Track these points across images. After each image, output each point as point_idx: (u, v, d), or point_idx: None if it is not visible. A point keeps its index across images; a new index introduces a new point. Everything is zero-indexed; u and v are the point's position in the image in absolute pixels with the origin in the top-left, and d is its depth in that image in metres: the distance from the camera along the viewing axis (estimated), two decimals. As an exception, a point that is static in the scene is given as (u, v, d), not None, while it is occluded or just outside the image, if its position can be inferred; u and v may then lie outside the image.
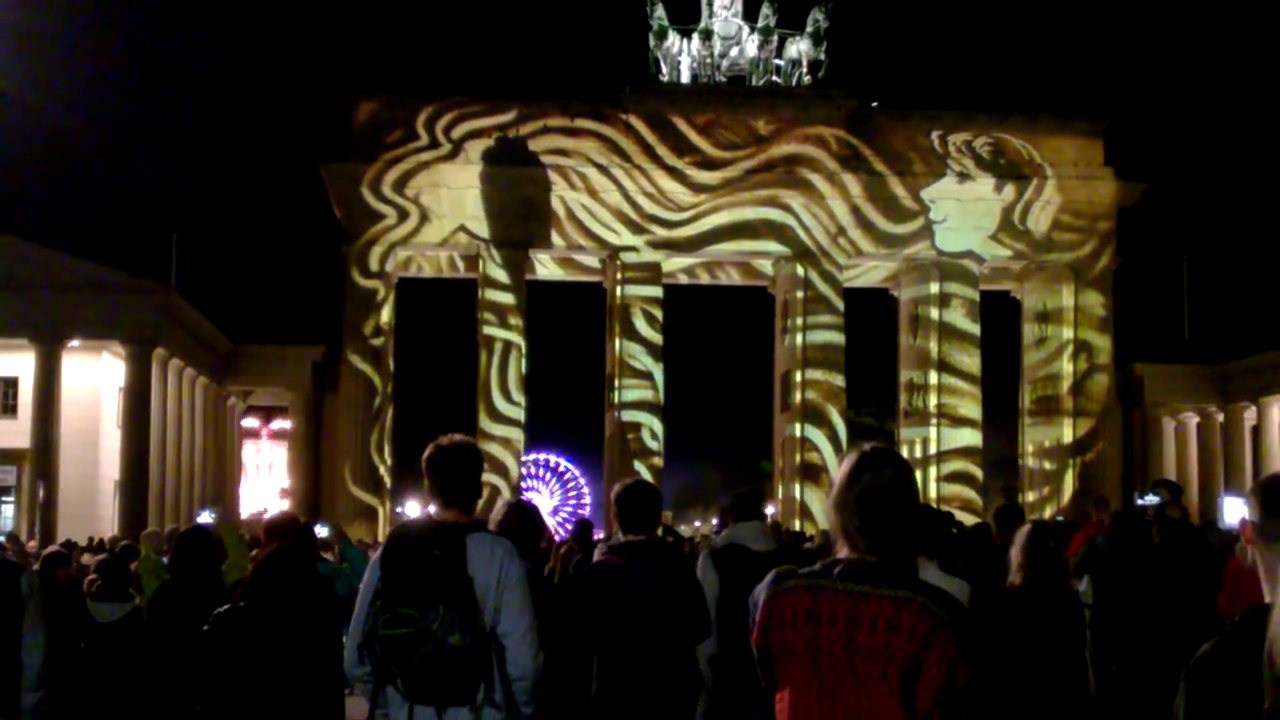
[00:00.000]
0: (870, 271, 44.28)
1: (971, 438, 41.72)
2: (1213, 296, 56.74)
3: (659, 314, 41.02)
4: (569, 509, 63.51)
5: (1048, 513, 38.22)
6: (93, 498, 42.53)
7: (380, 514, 39.61)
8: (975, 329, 41.79)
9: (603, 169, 40.49)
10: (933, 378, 41.65)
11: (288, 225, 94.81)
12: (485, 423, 39.97)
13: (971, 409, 41.70)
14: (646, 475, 36.01)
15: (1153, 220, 54.33)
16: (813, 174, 40.86)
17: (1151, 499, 10.84)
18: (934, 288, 41.73)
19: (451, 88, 42.51)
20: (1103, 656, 9.85)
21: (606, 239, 40.73)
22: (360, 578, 5.15)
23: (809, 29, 42.04)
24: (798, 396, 41.09)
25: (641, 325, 40.71)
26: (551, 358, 61.55)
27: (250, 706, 6.13)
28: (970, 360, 41.67)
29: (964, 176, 41.19)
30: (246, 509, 48.45)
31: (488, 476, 34.50)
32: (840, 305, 41.42)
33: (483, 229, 40.30)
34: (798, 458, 40.81)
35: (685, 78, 41.93)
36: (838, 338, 41.33)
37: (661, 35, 41.85)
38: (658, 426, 40.80)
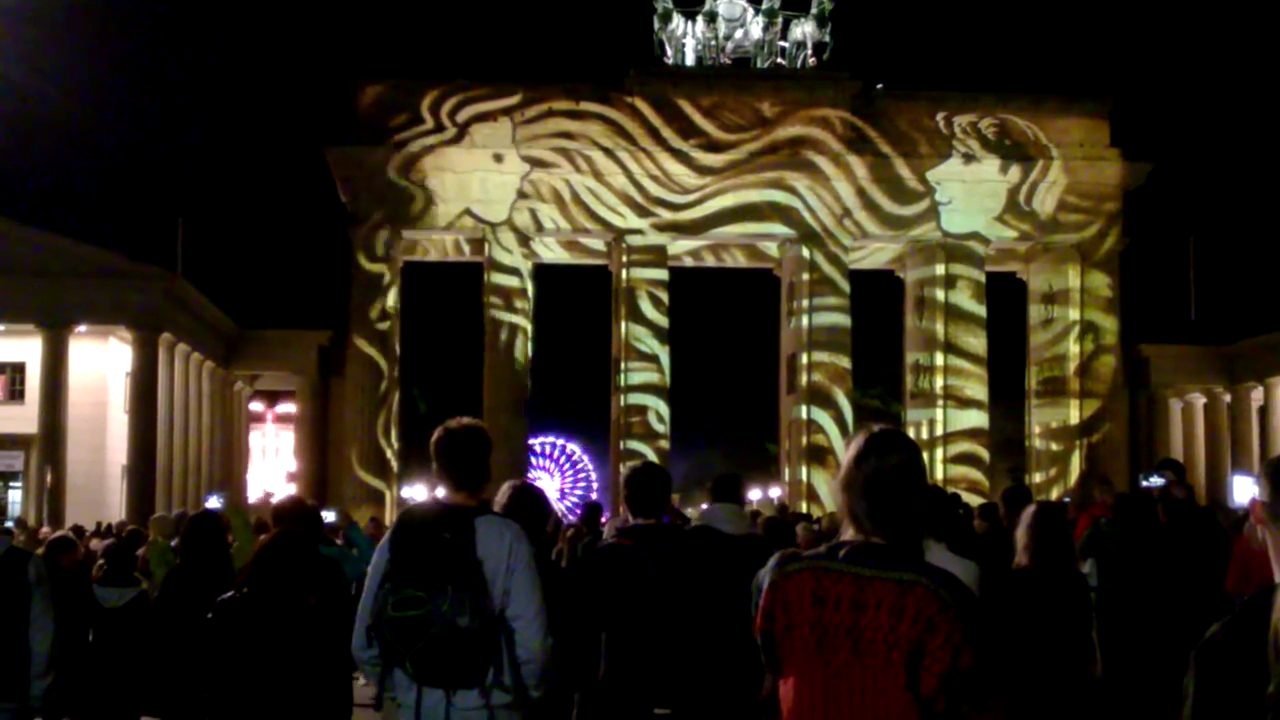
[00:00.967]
0: (876, 253, 44.20)
1: (978, 419, 41.70)
2: (1219, 277, 56.59)
3: (665, 297, 41.00)
4: (576, 492, 63.58)
5: (1055, 494, 38.21)
6: (100, 483, 42.64)
7: (387, 498, 39.68)
8: (981, 310, 41.74)
9: (608, 152, 40.43)
10: (939, 359, 41.61)
11: (293, 210, 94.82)
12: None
13: (978, 390, 41.67)
14: (653, 458, 36.05)
15: (1159, 201, 54.18)
16: (818, 156, 40.78)
17: (1156, 479, 10.84)
18: (940, 269, 41.66)
19: (456, 71, 42.39)
20: (1109, 637, 9.85)
21: (612, 222, 40.69)
22: (368, 562, 5.17)
23: (813, 10, 41.92)
24: (804, 379, 41.08)
25: (647, 308, 40.69)
26: (557, 341, 61.54)
27: (256, 692, 6.15)
28: (976, 342, 41.62)
29: (969, 158, 41.08)
30: (254, 493, 48.55)
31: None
32: (846, 287, 41.36)
33: (488, 212, 40.27)
34: (804, 440, 40.82)
35: (690, 60, 41.82)
36: (843, 320, 41.29)
37: (666, 18, 41.73)
38: (664, 409, 40.82)
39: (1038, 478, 41.59)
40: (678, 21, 41.73)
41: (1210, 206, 70.05)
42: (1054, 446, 42.11)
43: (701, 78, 41.30)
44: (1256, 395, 46.77)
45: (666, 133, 40.62)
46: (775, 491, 46.98)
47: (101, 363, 43.64)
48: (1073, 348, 41.85)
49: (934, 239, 41.49)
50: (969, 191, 41.10)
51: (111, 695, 9.90)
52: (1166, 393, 48.62)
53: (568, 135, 40.49)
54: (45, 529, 26.17)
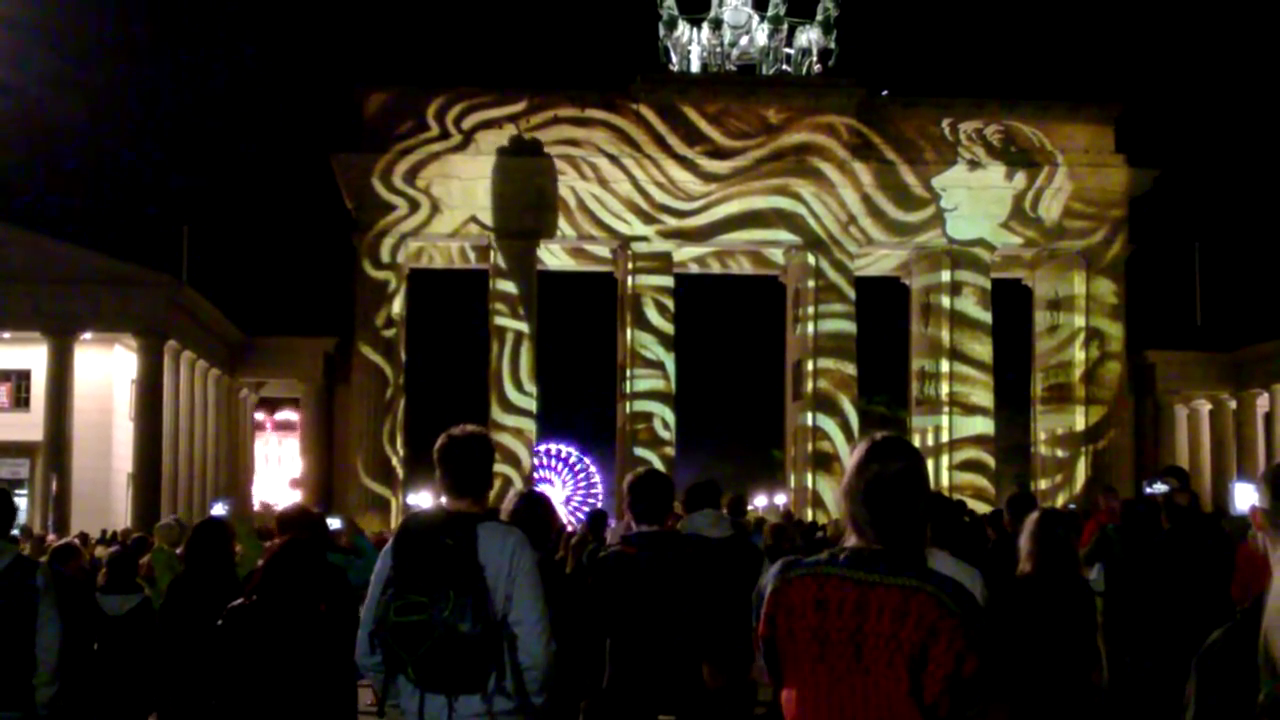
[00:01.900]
0: (881, 260, 44.20)
1: (983, 426, 41.66)
2: (1225, 283, 56.46)
3: (670, 303, 41.02)
4: (581, 499, 63.54)
5: (1060, 500, 38.15)
6: (105, 490, 42.66)
7: (393, 505, 39.68)
8: (987, 317, 41.72)
9: (613, 159, 40.47)
10: (944, 366, 41.59)
11: (299, 217, 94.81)
12: (497, 413, 40.02)
13: (983, 397, 41.64)
14: (659, 465, 36.06)
15: (1164, 207, 54.17)
16: (823, 163, 40.79)
17: (1160, 486, 10.82)
18: (945, 276, 41.66)
19: (462, 78, 42.65)
20: (1114, 644, 9.84)
21: (617, 229, 40.71)
22: (372, 569, 5.17)
23: (819, 17, 41.95)
24: (809, 385, 41.06)
25: (653, 315, 40.71)
26: (563, 348, 61.58)
27: (264, 699, 6.16)
28: (982, 348, 41.60)
29: (975, 164, 41.08)
30: (259, 500, 48.60)
31: (499, 467, 34.52)
32: (851, 294, 41.37)
33: (494, 219, 40.31)
34: (809, 446, 40.80)
35: (695, 67, 41.86)
36: (849, 326, 41.28)
37: (671, 25, 41.78)
38: (669, 416, 40.82)
39: (1043, 484, 41.57)
40: (683, 28, 41.79)
41: (1216, 212, 70.01)
42: (1059, 453, 42.07)
43: (707, 84, 41.34)
44: (1262, 401, 46.70)
45: (672, 139, 40.65)
46: (781, 498, 46.92)
47: (107, 370, 43.68)
48: (1078, 354, 41.83)
49: (939, 245, 41.49)
50: (974, 198, 41.10)
51: (115, 703, 9.91)
52: (1172, 399, 48.55)
53: (573, 142, 40.53)
54: (51, 536, 26.18)
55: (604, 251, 42.81)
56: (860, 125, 41.19)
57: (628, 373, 40.79)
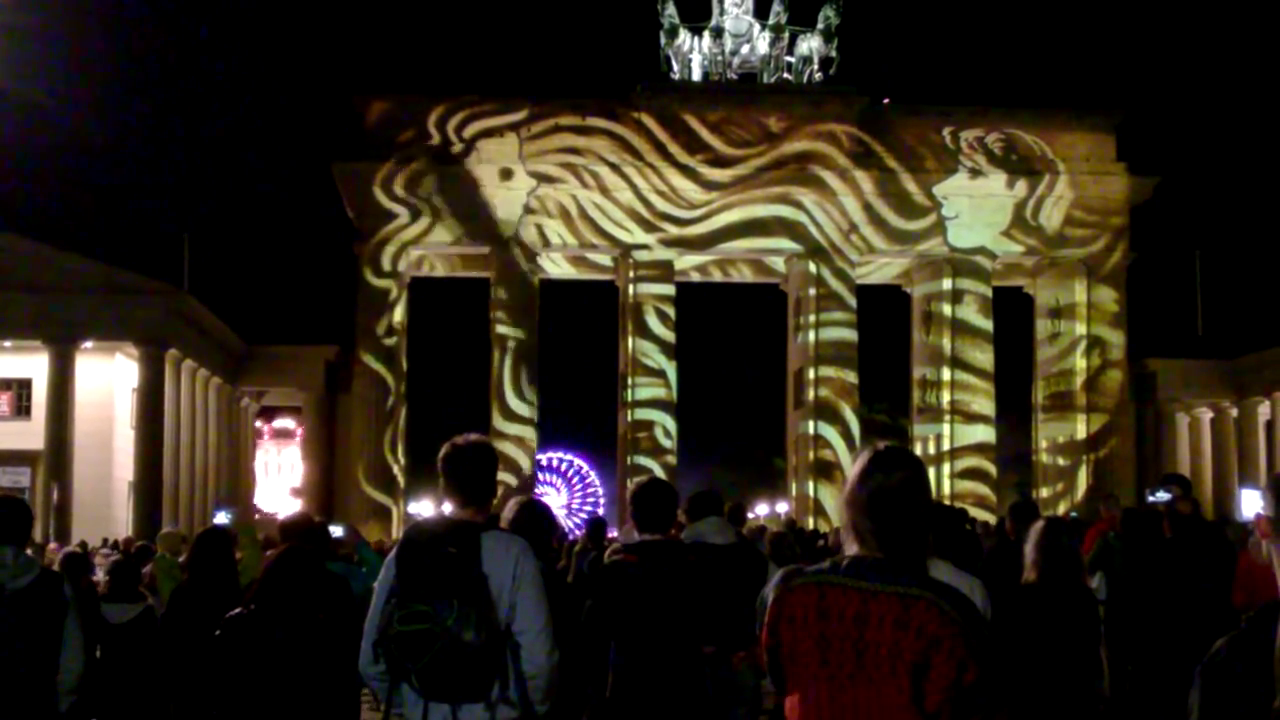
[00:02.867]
0: (883, 268, 44.23)
1: (985, 434, 41.65)
2: (1226, 291, 56.48)
3: (671, 312, 41.03)
4: (584, 508, 63.53)
5: (1062, 509, 38.14)
6: (107, 499, 42.66)
7: (394, 513, 39.68)
8: (988, 325, 41.73)
9: (614, 167, 40.50)
10: (946, 374, 41.60)
11: (300, 226, 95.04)
12: (498, 421, 40.02)
13: (985, 405, 41.63)
14: (660, 473, 36.04)
15: (1165, 215, 54.16)
16: (824, 171, 40.82)
17: (1162, 495, 10.82)
18: (946, 284, 41.68)
19: (463, 87, 42.58)
20: (1117, 653, 9.83)
21: (618, 237, 40.74)
22: (375, 577, 5.17)
23: (820, 26, 41.99)
24: (811, 393, 41.06)
25: (654, 323, 40.72)
26: (564, 357, 61.59)
27: (265, 708, 6.16)
28: (983, 356, 41.60)
29: (976, 172, 41.12)
30: (261, 509, 48.59)
31: (500, 475, 34.48)
32: (853, 302, 41.37)
33: (495, 228, 40.34)
34: (811, 455, 40.78)
35: (696, 75, 41.91)
36: (850, 334, 41.28)
37: (672, 33, 41.82)
38: (671, 424, 40.81)
39: (1045, 492, 41.53)
40: (684, 37, 41.83)
41: (1217, 220, 70.02)
42: (1061, 461, 42.05)
43: (708, 93, 41.38)
44: (1264, 409, 46.69)
45: (673, 148, 40.69)
46: (782, 506, 46.92)
47: (108, 379, 43.69)
48: (1080, 362, 41.82)
49: (941, 254, 41.51)
50: (976, 206, 41.12)
51: (119, 711, 9.90)
52: (1173, 407, 48.54)
53: (574, 151, 40.57)
54: (52, 545, 26.19)
55: (605, 260, 42.84)
56: (861, 133, 41.23)
57: (629, 381, 40.80)
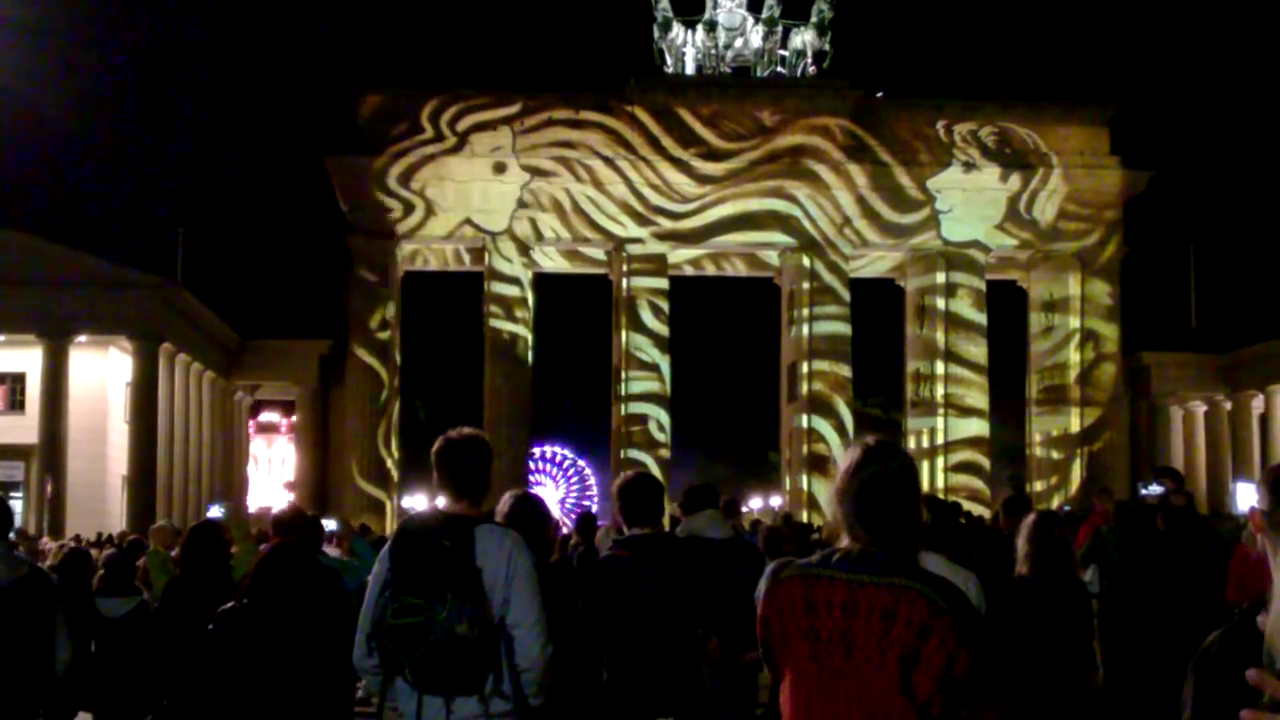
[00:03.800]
0: (876, 262, 44.22)
1: (979, 428, 41.69)
2: (1219, 285, 56.61)
3: (665, 306, 41.02)
4: (575, 502, 63.52)
5: (1055, 502, 38.19)
6: (101, 493, 42.61)
7: (387, 507, 39.69)
8: (982, 319, 41.75)
9: (608, 161, 40.48)
10: (939, 368, 41.61)
11: (293, 219, 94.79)
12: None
13: (978, 399, 41.67)
14: (654, 467, 36.07)
15: (1159, 208, 54.19)
16: (818, 164, 40.82)
17: (1155, 488, 10.85)
18: (940, 278, 41.68)
19: (456, 81, 42.66)
20: (1110, 646, 9.86)
21: (612, 231, 40.72)
22: (369, 571, 5.18)
23: (813, 19, 41.98)
24: (804, 387, 41.08)
25: (648, 317, 40.71)
26: (558, 350, 61.54)
27: (257, 702, 6.16)
28: (977, 350, 41.63)
29: (969, 166, 41.13)
30: (254, 503, 48.57)
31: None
32: (846, 296, 41.38)
33: (488, 222, 40.32)
34: (805, 449, 40.81)
35: (690, 69, 41.88)
36: (844, 328, 41.29)
37: (666, 27, 41.79)
38: (665, 418, 40.82)
39: (1038, 486, 41.58)
40: (678, 30, 41.80)
41: (1211, 214, 70.05)
42: (1055, 455, 42.11)
43: (701, 87, 41.35)
44: (1257, 403, 46.76)
45: (666, 141, 40.66)
46: (776, 500, 46.96)
47: (102, 373, 43.63)
48: (1073, 356, 41.87)
49: (934, 247, 41.53)
50: (969, 200, 41.14)
51: (113, 705, 9.90)
52: (1167, 401, 48.62)
53: (568, 144, 40.54)
54: (45, 539, 26.17)
55: (599, 254, 42.81)
56: (855, 127, 41.22)
57: (623, 375, 40.80)
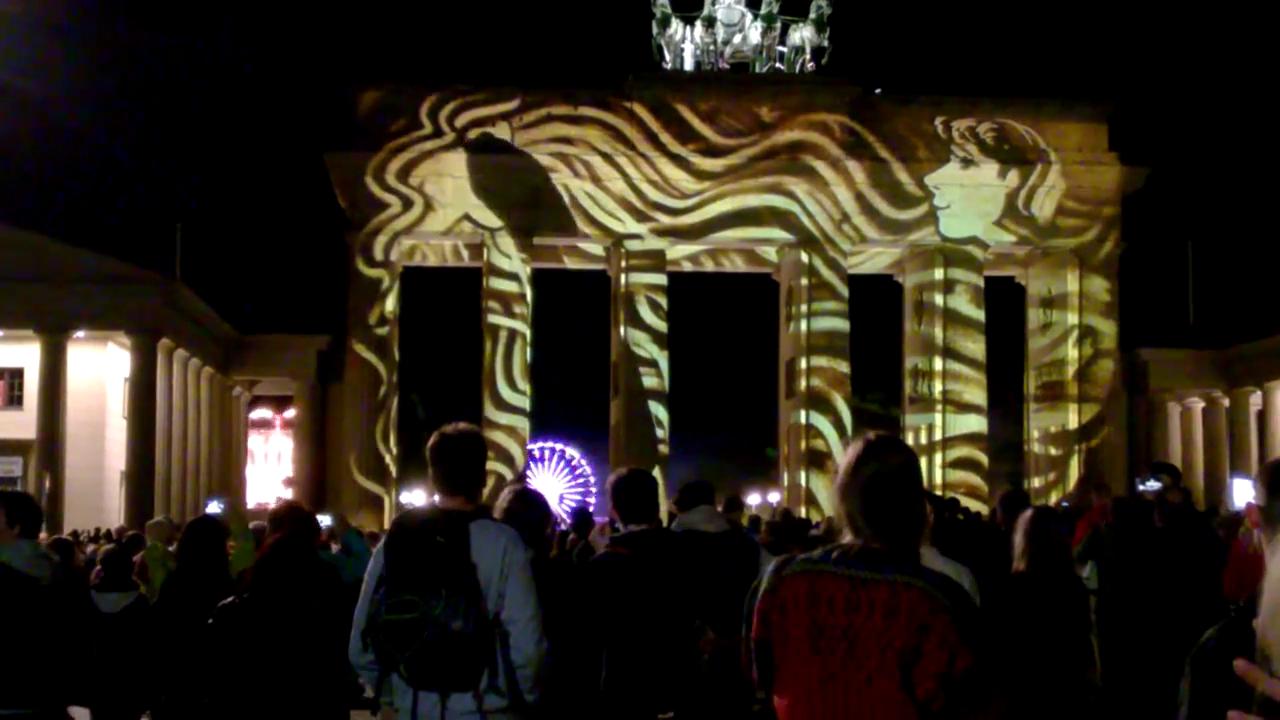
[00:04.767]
0: (875, 258, 44.22)
1: (977, 424, 41.71)
2: (1217, 281, 56.61)
3: (664, 302, 41.01)
4: (575, 497, 63.48)
5: (1053, 498, 38.20)
6: (99, 489, 42.60)
7: (386, 503, 39.70)
8: (980, 315, 41.76)
9: (606, 157, 40.46)
10: (938, 364, 41.63)
11: (292, 215, 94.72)
12: (490, 411, 40.02)
13: (977, 395, 41.69)
14: (652, 464, 36.05)
15: (1157, 205, 54.17)
16: (817, 161, 40.81)
17: (1153, 484, 10.83)
18: (938, 274, 41.68)
19: (455, 76, 42.67)
20: (1107, 642, 9.85)
21: (611, 227, 40.71)
22: (364, 566, 5.18)
23: (812, 15, 41.96)
24: (803, 383, 41.09)
25: (646, 313, 40.71)
26: (557, 346, 61.52)
27: (256, 696, 6.16)
28: (975, 346, 41.64)
29: (968, 162, 41.13)
30: (253, 499, 48.57)
31: (492, 465, 34.50)
32: (845, 292, 41.37)
33: (487, 218, 40.30)
34: (803, 444, 40.82)
35: (689, 65, 41.85)
36: (842, 324, 41.29)
37: (664, 23, 41.76)
38: (663, 414, 40.82)
39: (1036, 482, 41.61)
40: (676, 26, 41.77)
41: (1209, 210, 70.10)
42: (1053, 451, 42.13)
43: (700, 83, 41.33)
44: (1255, 399, 46.76)
45: (665, 137, 40.65)
46: (774, 496, 46.96)
47: (100, 368, 43.61)
48: (1071, 352, 41.88)
49: (933, 243, 41.52)
50: (968, 196, 41.14)
51: (110, 700, 9.89)
52: (1165, 397, 48.61)
53: (566, 140, 40.53)
54: (42, 535, 26.16)
55: (597, 249, 42.80)
56: (853, 123, 41.21)
57: (621, 370, 40.79)
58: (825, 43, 41.89)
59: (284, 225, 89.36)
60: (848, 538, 3.55)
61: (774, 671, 3.53)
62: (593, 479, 64.43)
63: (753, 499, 52.11)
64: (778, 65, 42.03)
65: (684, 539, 7.67)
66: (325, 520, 12.78)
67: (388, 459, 40.53)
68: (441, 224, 40.57)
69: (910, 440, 39.88)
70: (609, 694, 6.80)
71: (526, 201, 40.25)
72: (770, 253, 43.46)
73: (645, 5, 42.02)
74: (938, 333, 41.60)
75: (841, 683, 3.38)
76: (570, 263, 44.77)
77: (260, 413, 53.23)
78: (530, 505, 6.86)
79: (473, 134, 40.29)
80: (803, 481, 40.42)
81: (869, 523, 3.50)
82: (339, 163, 40.56)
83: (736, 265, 45.70)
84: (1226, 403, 47.67)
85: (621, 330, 40.80)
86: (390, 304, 40.73)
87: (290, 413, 51.73)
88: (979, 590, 5.96)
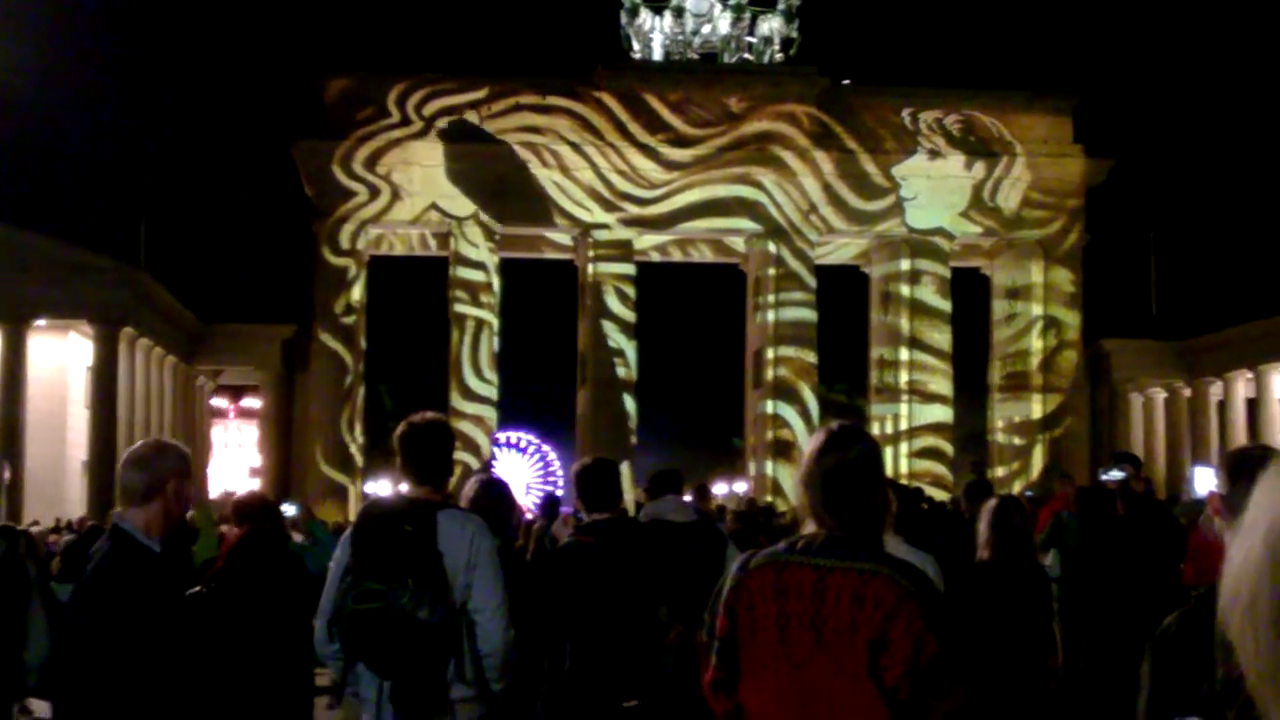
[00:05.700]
0: (842, 249, 44.34)
1: (942, 414, 41.91)
2: (1179, 273, 57.05)
3: (631, 292, 40.98)
4: (543, 487, 63.35)
5: (1017, 487, 38.45)
6: (60, 479, 42.21)
7: (351, 492, 39.54)
8: (946, 305, 41.94)
9: (575, 146, 40.37)
10: (904, 354, 41.79)
11: (258, 203, 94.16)
12: (457, 400, 39.90)
13: (942, 385, 41.89)
14: (619, 453, 36.03)
15: (1120, 197, 54.55)
16: (784, 151, 40.86)
17: (1115, 473, 10.91)
18: (905, 264, 41.83)
19: (423, 65, 42.37)
20: (1070, 628, 9.94)
21: (579, 216, 40.62)
22: (329, 556, 5.16)
23: (781, 6, 41.98)
24: (769, 373, 41.17)
25: (614, 303, 40.67)
26: (524, 336, 61.36)
27: (223, 687, 6.13)
28: (941, 337, 41.83)
29: (934, 154, 41.28)
30: (216, 489, 48.25)
31: (459, 454, 34.37)
32: (812, 282, 41.46)
33: (454, 207, 40.14)
34: (769, 434, 40.91)
35: (657, 55, 41.80)
36: (809, 315, 41.39)
37: (633, 12, 41.68)
38: (630, 404, 40.81)
39: (1000, 472, 41.84)
40: (645, 16, 41.70)
41: (1171, 203, 70.63)
42: (1016, 441, 42.40)
43: (669, 73, 41.29)
44: (1215, 390, 47.20)
45: (633, 127, 40.59)
46: (741, 486, 47.05)
47: (61, 357, 43.20)
48: (1035, 343, 42.14)
49: (899, 234, 41.66)
50: (934, 187, 41.30)
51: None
52: (1127, 387, 48.99)
53: (534, 129, 40.40)
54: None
55: (565, 239, 42.72)
56: (821, 114, 41.28)
57: (588, 360, 40.75)
58: (794, 33, 41.94)
59: (250, 214, 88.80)
60: (811, 527, 3.56)
61: (738, 673, 3.53)
62: (558, 468, 64.37)
63: (719, 489, 52.19)
64: (746, 56, 42.03)
65: (650, 528, 7.69)
66: (290, 510, 12.70)
67: (353, 449, 40.36)
68: (409, 213, 40.39)
69: (876, 430, 40.03)
70: (573, 682, 6.81)
71: (494, 191, 40.11)
72: (738, 243, 43.50)
73: (613, -6, 41.92)
74: (904, 323, 41.76)
75: (810, 671, 3.39)
76: (538, 252, 44.66)
77: (214, 401, 52.79)
78: (496, 495, 6.86)
79: (441, 123, 40.11)
80: (769, 471, 40.52)
81: (830, 512, 3.51)
82: (306, 151, 40.30)
83: (704, 255, 45.73)
84: (1188, 393, 48.10)
85: (589, 320, 40.76)
86: (357, 293, 40.52)
87: (246, 401, 51.41)
88: (943, 579, 6.00)
